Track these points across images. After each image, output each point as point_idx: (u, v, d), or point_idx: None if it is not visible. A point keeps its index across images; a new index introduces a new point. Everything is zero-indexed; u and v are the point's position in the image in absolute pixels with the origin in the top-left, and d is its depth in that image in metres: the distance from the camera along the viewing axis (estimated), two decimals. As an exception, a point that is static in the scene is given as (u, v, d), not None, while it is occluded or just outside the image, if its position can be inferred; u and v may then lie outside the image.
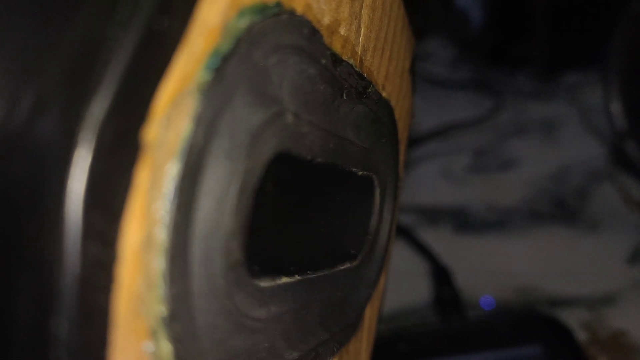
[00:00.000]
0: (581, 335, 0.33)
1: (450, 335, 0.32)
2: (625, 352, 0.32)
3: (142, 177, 0.09)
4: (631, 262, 0.38)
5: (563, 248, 0.40)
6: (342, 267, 0.17)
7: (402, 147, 0.22)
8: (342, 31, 0.15)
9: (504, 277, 0.37)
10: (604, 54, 0.42)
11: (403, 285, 0.36)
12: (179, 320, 0.10)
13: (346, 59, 0.15)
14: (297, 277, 0.14)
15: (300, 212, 0.15)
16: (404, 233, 0.40)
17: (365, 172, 0.18)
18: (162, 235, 0.10)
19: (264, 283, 0.13)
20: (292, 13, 0.12)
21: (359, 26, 0.16)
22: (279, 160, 0.12)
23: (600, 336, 0.33)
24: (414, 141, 0.48)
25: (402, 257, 0.39)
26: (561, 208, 0.43)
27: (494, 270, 0.38)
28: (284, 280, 0.14)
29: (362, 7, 0.16)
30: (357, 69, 0.16)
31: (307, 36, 0.13)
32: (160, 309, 0.10)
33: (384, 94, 0.19)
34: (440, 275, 0.36)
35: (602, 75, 0.43)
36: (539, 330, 0.31)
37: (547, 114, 0.52)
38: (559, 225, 0.41)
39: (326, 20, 0.14)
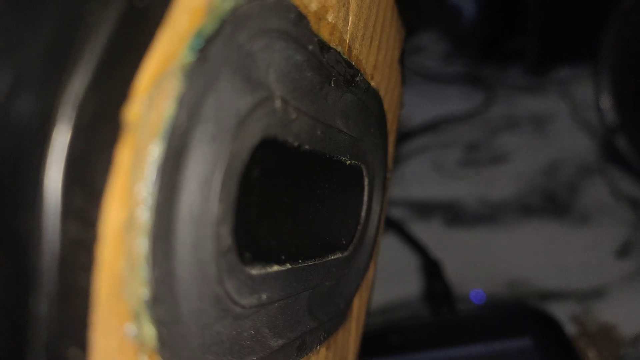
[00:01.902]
0: (571, 328, 0.33)
1: (441, 328, 0.32)
2: (614, 345, 0.32)
3: (124, 157, 0.09)
4: (620, 256, 0.38)
5: (553, 242, 0.40)
6: (332, 257, 0.17)
7: (391, 137, 0.22)
8: (330, 18, 0.15)
9: (495, 270, 0.37)
10: (595, 49, 0.42)
11: (394, 278, 0.37)
12: (162, 304, 0.10)
13: (334, 47, 0.15)
14: (289, 266, 0.14)
15: (290, 200, 0.15)
16: (396, 226, 0.40)
17: (353, 162, 0.18)
18: (144, 216, 0.09)
19: (256, 271, 0.13)
20: (278, -3, 0.12)
21: (347, 14, 0.16)
22: (265, 147, 0.12)
23: (590, 329, 0.33)
24: (406, 135, 0.48)
25: (393, 251, 0.39)
26: (552, 202, 0.43)
27: (484, 263, 0.38)
28: (276, 268, 0.14)
29: (350, -6, 0.16)
30: (345, 57, 0.16)
31: (293, 21, 0.13)
32: (142, 291, 0.10)
33: (372, 84, 0.18)
34: (432, 269, 0.36)
35: (593, 70, 0.43)
36: (529, 323, 0.31)
37: (539, 108, 0.52)
38: (550, 219, 0.41)
39: (313, 6, 0.14)
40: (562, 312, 0.33)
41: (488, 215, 0.42)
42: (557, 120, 0.50)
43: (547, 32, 0.52)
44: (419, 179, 0.46)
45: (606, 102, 0.42)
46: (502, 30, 0.56)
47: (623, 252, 0.38)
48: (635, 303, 0.35)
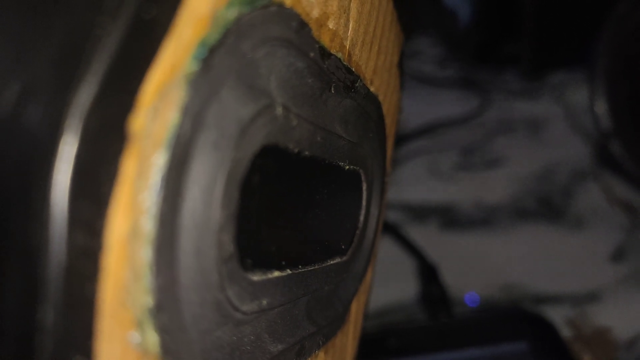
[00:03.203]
0: (566, 332, 0.33)
1: (438, 332, 0.32)
2: (609, 348, 0.32)
3: (129, 167, 0.09)
4: (615, 260, 0.38)
5: (548, 246, 0.40)
6: (332, 262, 0.17)
7: (390, 142, 0.22)
8: (331, 25, 0.15)
9: (490, 274, 0.37)
10: (590, 54, 0.43)
11: (391, 282, 0.37)
12: (166, 311, 0.10)
13: (334, 53, 0.15)
14: (289, 271, 0.14)
15: (290, 206, 0.15)
16: (392, 230, 0.40)
17: (352, 167, 0.18)
18: (148, 225, 0.10)
19: (257, 277, 0.13)
20: (280, 5, 0.12)
21: (348, 20, 0.16)
22: (266, 153, 0.12)
23: (585, 333, 0.33)
24: (402, 138, 0.48)
25: (389, 254, 0.39)
26: (547, 206, 0.43)
27: (480, 267, 0.38)
28: (276, 274, 0.14)
29: (350, 0, 0.16)
30: (345, 63, 0.16)
31: (295, 29, 0.13)
32: (146, 299, 0.10)
33: (372, 89, 0.19)
34: (428, 272, 0.37)
35: (588, 75, 0.43)
36: (524, 326, 0.31)
37: (534, 112, 0.52)
38: (545, 223, 0.42)
39: (315, 13, 0.14)
40: (557, 315, 0.33)
41: (483, 219, 0.42)
42: (552, 125, 0.50)
43: (542, 37, 0.52)
44: (414, 182, 0.46)
45: (601, 107, 0.42)
46: (497, 34, 0.56)
47: (617, 256, 0.38)
48: (630, 306, 0.35)
